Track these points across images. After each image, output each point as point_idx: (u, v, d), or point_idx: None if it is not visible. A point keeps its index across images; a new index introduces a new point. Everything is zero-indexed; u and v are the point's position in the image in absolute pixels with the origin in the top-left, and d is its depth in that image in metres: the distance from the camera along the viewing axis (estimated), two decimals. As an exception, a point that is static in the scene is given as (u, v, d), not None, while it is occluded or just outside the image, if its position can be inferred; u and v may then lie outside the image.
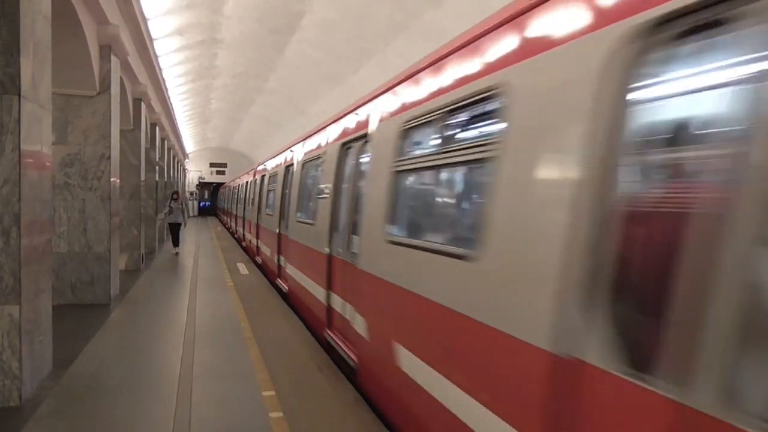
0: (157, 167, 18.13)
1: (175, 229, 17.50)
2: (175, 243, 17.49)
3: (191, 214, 46.74)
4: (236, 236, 21.53)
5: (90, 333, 7.39)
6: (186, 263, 14.96)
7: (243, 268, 14.36)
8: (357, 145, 5.21)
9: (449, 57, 3.00)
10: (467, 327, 2.51)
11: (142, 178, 14.25)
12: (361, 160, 5.05)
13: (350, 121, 5.46)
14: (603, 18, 2.04)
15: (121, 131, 12.52)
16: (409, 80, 3.67)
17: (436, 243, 3.17)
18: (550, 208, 2.16)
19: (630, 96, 1.99)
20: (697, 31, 1.83)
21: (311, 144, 7.76)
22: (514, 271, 2.26)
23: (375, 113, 4.41)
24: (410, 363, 3.15)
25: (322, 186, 6.37)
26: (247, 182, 19.48)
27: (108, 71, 9.34)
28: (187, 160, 43.82)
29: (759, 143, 1.70)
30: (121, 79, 11.63)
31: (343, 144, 5.70)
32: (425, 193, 3.56)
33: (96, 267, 9.34)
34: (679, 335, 1.73)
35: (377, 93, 4.48)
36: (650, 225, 1.90)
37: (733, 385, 1.67)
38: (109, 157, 9.32)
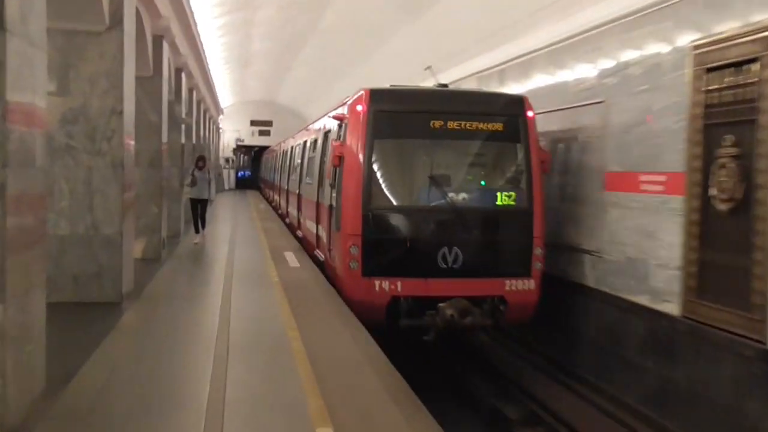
0: (183, 126, 17.54)
1: (198, 208, 16.90)
2: (198, 228, 16.92)
3: (227, 187, 47.03)
4: (286, 219, 21.43)
5: (95, 341, 7.32)
6: (219, 252, 14.93)
7: (292, 259, 14.31)
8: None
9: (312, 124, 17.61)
10: (312, 203, 14.88)
11: (164, 139, 13.78)
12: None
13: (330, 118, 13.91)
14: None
15: (137, 79, 11.39)
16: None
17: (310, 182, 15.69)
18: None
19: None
20: None
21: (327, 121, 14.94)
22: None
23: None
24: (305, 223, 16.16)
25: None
26: (292, 147, 21.43)
27: (120, 0, 9.17)
28: (221, 116, 43.04)
29: None
30: (137, 10, 11.27)
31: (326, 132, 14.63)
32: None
33: (104, 255, 9.17)
34: None
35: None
36: None
37: None
38: (121, 112, 9.19)
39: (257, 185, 50.02)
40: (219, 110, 40.80)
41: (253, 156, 57.08)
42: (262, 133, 47.32)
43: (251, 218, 24.21)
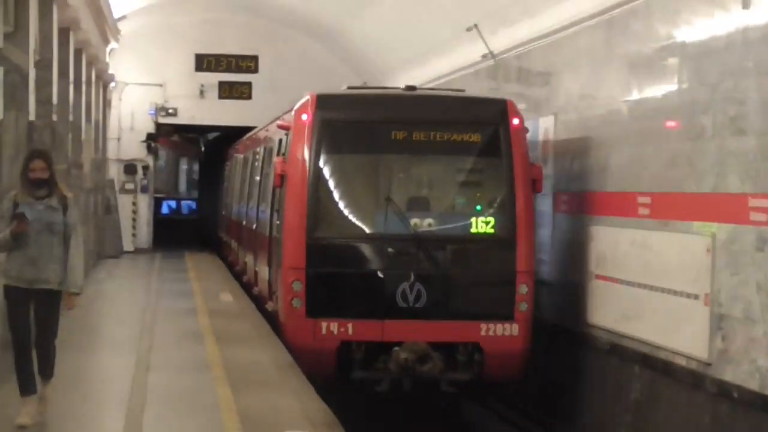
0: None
1: (27, 317, 8.00)
2: (26, 379, 7.95)
3: (130, 243, 27.81)
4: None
5: None
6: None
7: None
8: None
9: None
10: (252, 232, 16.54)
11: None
12: None
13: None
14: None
15: None
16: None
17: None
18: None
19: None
20: None
21: None
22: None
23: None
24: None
25: None
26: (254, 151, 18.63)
27: None
28: (112, 47, 25.71)
29: None
30: None
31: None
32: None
33: None
34: None
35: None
36: None
37: None
38: None
39: (212, 234, 31.43)
40: (108, 28, 22.72)
41: (204, 157, 40.77)
42: (228, 91, 27.36)
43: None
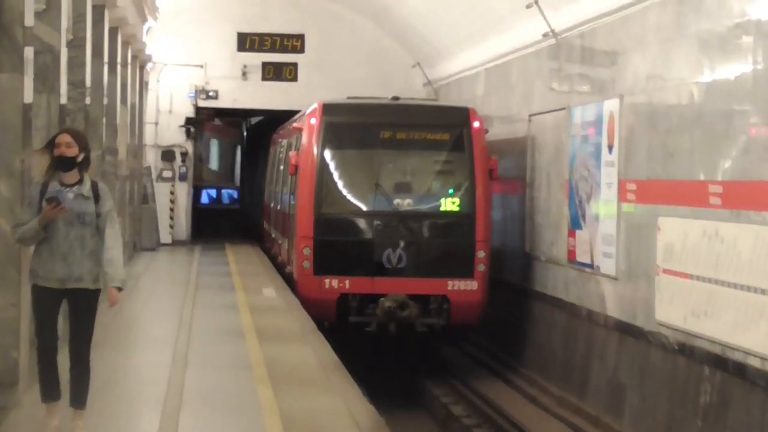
0: (26, 55, 9.19)
1: (57, 317, 7.81)
2: (50, 387, 7.67)
3: (168, 236, 28.20)
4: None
5: None
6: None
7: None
8: None
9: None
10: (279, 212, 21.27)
11: (27, 99, 9.07)
12: None
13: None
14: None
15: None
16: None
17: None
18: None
19: None
20: None
21: None
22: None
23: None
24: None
25: None
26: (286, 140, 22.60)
27: None
28: (149, 26, 25.81)
29: None
30: None
31: None
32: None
33: None
34: None
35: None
36: None
37: None
38: None
39: (255, 225, 32.62)
40: (145, 6, 23.14)
41: (246, 143, 42.89)
42: (272, 72, 27.75)
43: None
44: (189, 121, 28.22)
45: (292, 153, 17.58)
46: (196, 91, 27.92)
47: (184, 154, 28.49)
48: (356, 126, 17.15)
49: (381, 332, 16.05)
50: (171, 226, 28.23)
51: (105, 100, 17.60)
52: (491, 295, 16.75)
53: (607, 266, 13.81)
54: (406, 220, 16.47)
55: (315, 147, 16.72)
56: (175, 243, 27.89)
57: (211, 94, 27.94)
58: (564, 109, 15.92)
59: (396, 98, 17.50)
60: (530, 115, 17.84)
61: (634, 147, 13.25)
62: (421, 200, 16.86)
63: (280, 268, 20.03)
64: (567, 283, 15.66)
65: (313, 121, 16.96)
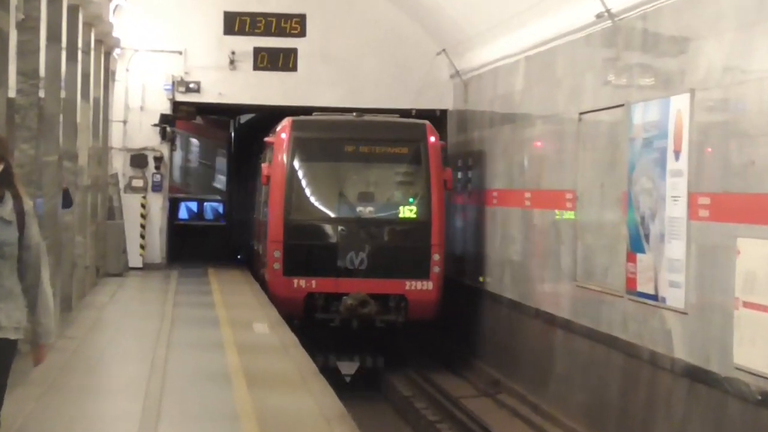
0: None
1: None
2: None
3: (137, 258, 28.31)
4: None
5: None
6: None
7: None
8: None
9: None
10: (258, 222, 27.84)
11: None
12: None
13: None
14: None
15: None
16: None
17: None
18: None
19: None
20: None
21: None
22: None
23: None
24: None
25: None
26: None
27: None
28: (116, 8, 26.89)
29: None
30: None
31: None
32: None
33: None
34: None
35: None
36: None
37: None
38: None
39: (244, 245, 35.22)
40: None
41: (234, 146, 43.25)
42: (266, 61, 27.67)
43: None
44: (165, 120, 28.30)
45: (264, 164, 23.58)
46: (173, 82, 28.10)
47: (158, 160, 28.65)
48: (322, 140, 23.15)
49: (344, 327, 21.83)
50: (142, 247, 28.37)
51: (63, 94, 17.64)
52: (533, 330, 19.20)
53: (675, 298, 13.75)
54: (368, 226, 22.49)
55: (284, 159, 22.53)
56: (148, 267, 28.02)
57: (191, 86, 28.22)
58: (622, 106, 15.89)
59: (360, 114, 23.38)
60: (580, 114, 17.83)
61: (706, 153, 13.19)
62: (381, 208, 22.98)
63: (259, 274, 25.91)
64: (625, 317, 15.60)
65: (284, 135, 22.78)
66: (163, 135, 28.50)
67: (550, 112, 19.78)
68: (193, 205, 38.92)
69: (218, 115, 39.04)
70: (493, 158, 23.69)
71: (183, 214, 37.43)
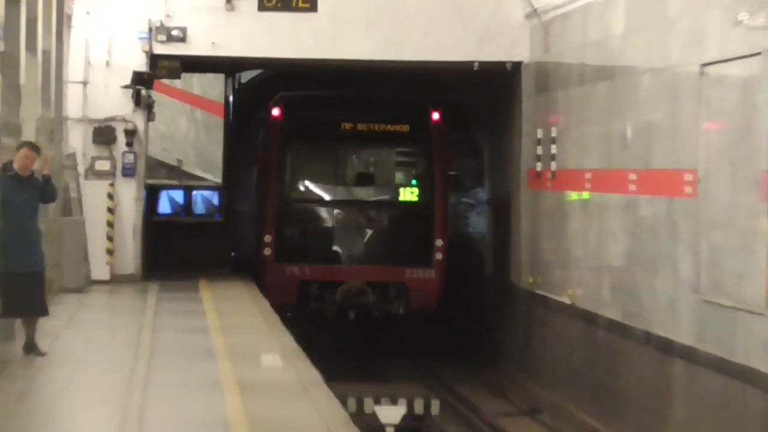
0: None
1: None
2: None
3: (124, 266, 28.92)
4: None
5: None
6: None
7: None
8: None
9: None
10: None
11: None
12: None
13: None
14: None
15: None
16: None
17: None
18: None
19: None
20: None
21: None
22: None
23: None
24: None
25: None
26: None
27: None
28: None
29: None
30: None
31: None
32: None
33: None
34: None
35: None
36: None
37: None
38: None
39: (250, 250, 34.78)
40: None
41: (233, 115, 43.44)
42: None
43: None
44: (139, 80, 28.25)
45: (258, 144, 29.03)
46: (151, 29, 28.21)
47: (130, 134, 28.73)
48: (318, 119, 27.68)
49: (340, 318, 26.43)
50: (110, 253, 28.45)
51: (0, 46, 17.63)
52: (643, 361, 19.85)
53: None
54: (366, 210, 27.11)
55: (277, 139, 27.32)
56: (117, 280, 28.13)
57: (175, 34, 28.37)
58: (759, 54, 15.83)
59: (358, 92, 28.29)
60: (702, 66, 17.77)
61: None
62: (380, 191, 27.84)
63: (254, 263, 30.73)
64: (766, 343, 15.52)
65: (275, 112, 27.45)
66: (137, 100, 28.51)
67: (661, 64, 19.73)
68: (179, 195, 39.01)
69: (211, 72, 38.94)
70: (584, 127, 23.65)
71: (165, 207, 37.65)
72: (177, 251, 33.23)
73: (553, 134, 25.42)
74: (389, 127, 27.17)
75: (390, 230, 26.93)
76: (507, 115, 28.68)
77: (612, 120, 22.00)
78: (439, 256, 26.41)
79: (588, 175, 23.15)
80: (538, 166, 26.06)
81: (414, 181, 27.48)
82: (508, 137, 28.69)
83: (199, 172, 46.68)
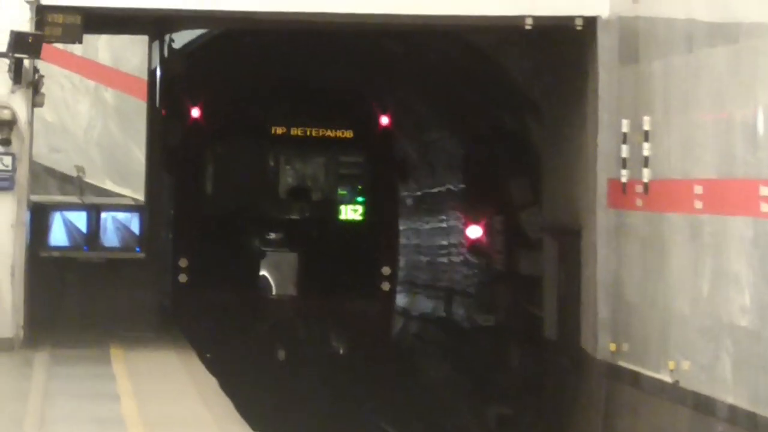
0: None
1: None
2: None
3: None
4: None
5: None
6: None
7: None
8: None
9: None
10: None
11: None
12: None
13: None
14: None
15: None
16: None
17: None
18: None
19: None
20: None
21: None
22: None
23: None
24: None
25: None
26: None
27: None
28: None
29: None
30: None
31: None
32: None
33: None
34: None
35: None
36: None
37: None
38: None
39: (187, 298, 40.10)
40: None
41: (163, 96, 43.52)
42: None
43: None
44: (20, 44, 28.28)
45: (170, 146, 32.16)
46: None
47: (6, 126, 29.14)
48: (239, 119, 32.54)
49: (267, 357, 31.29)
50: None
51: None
52: None
53: None
54: (298, 229, 31.84)
55: (191, 142, 31.91)
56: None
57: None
58: None
59: (292, 82, 31.50)
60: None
61: None
62: (316, 207, 32.76)
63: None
64: None
65: (194, 112, 32.03)
66: (17, 75, 28.80)
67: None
68: (80, 219, 38.85)
69: (128, 33, 39.19)
70: (692, 115, 23.53)
71: (59, 236, 37.34)
72: (77, 302, 33.12)
73: (646, 127, 25.33)
74: (329, 131, 32.13)
75: (324, 253, 31.66)
76: (575, 98, 28.63)
77: (734, 104, 21.90)
78: (386, 286, 31.45)
79: (699, 189, 23.04)
80: (624, 176, 25.95)
81: (356, 196, 32.31)
82: (576, 132, 28.64)
83: (109, 185, 46.38)
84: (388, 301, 30.73)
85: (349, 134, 31.11)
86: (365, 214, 31.19)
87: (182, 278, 29.80)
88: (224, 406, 22.65)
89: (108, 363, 27.72)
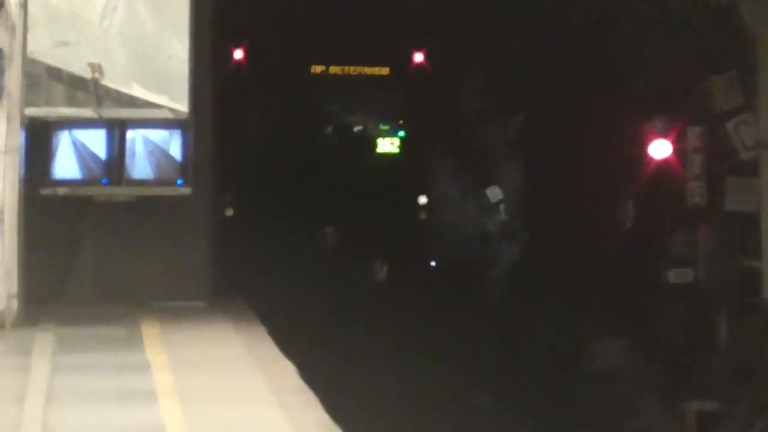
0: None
1: None
2: None
3: None
4: None
5: None
6: None
7: None
8: None
9: None
10: None
11: None
12: None
13: None
14: None
15: None
16: None
17: None
18: None
19: None
20: None
21: None
22: None
23: None
24: None
25: None
26: None
27: None
28: None
29: None
30: None
31: None
32: None
33: None
34: None
35: None
36: None
37: None
38: None
39: None
40: None
41: None
42: None
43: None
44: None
45: None
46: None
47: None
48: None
49: None
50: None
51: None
52: None
53: None
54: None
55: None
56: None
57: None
58: None
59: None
60: None
61: None
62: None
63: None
64: None
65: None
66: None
67: None
68: (97, 140, 38.71)
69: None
70: None
71: (68, 166, 38.03)
72: (93, 260, 32.34)
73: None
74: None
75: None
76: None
77: None
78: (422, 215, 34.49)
79: None
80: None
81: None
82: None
83: (138, 91, 46.11)
84: (425, 231, 28.96)
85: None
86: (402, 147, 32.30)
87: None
88: (307, 402, 21.29)
89: (138, 347, 26.57)
